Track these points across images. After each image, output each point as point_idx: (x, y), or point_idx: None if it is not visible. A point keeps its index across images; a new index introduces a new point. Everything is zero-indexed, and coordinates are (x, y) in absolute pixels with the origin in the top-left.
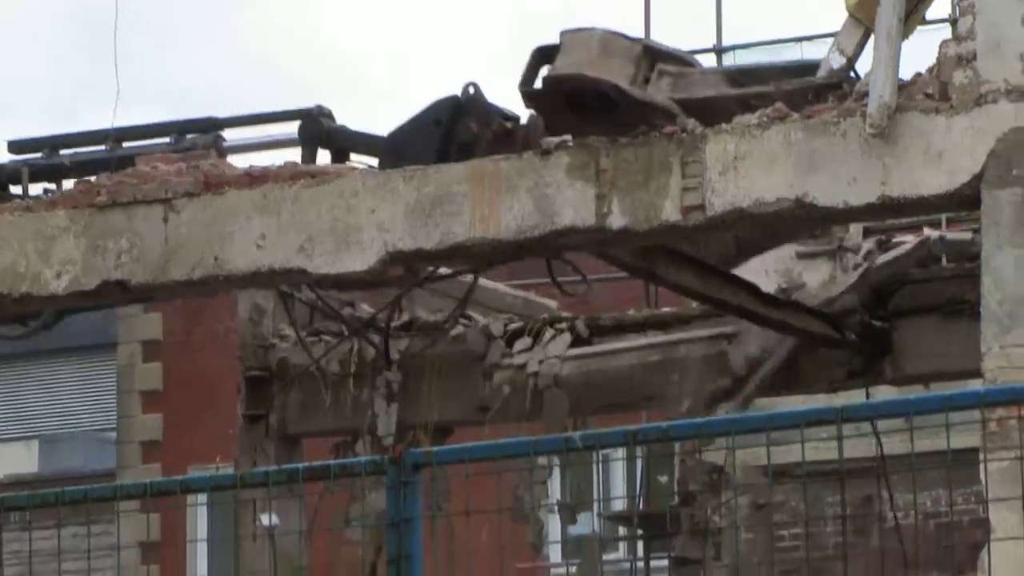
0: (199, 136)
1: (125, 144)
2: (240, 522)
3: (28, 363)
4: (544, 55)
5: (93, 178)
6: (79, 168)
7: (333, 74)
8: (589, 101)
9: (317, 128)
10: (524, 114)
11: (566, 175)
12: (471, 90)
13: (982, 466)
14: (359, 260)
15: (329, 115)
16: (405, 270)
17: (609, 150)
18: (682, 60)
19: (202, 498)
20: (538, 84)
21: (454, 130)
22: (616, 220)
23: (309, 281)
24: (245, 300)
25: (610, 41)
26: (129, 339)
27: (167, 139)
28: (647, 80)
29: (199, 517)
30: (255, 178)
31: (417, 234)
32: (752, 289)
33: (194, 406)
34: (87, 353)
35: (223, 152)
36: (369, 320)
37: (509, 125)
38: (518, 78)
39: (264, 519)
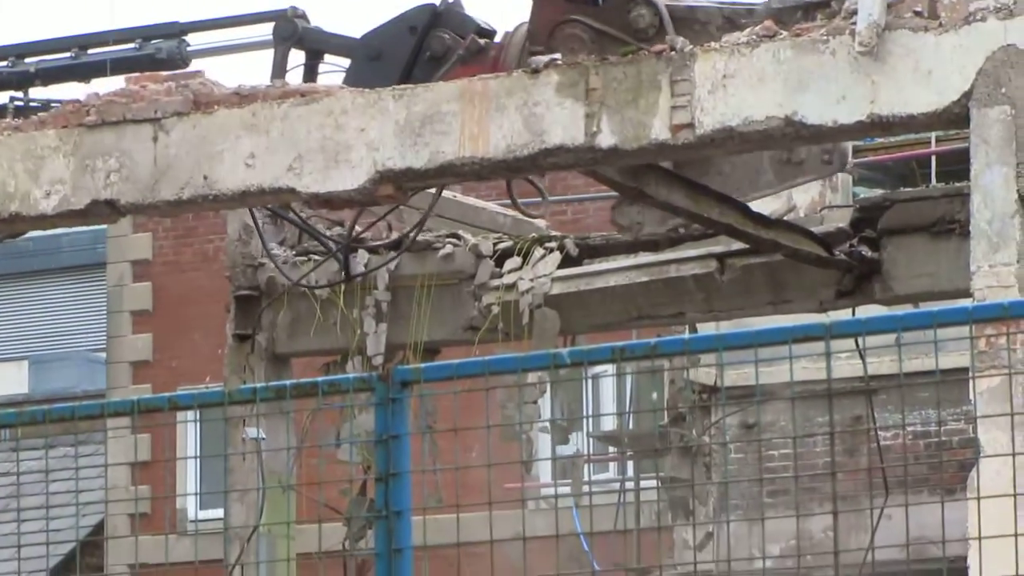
0: (163, 41)
1: (90, 51)
2: (229, 440)
3: (17, 283)
4: None
5: (82, 97)
6: (44, 75)
7: None
8: None
9: (291, 28)
10: (501, 28)
11: (555, 94)
12: None
13: (971, 384)
14: (349, 179)
15: (303, 16)
16: (395, 189)
17: (598, 68)
18: None
19: (191, 415)
20: None
21: (427, 39)
22: (605, 139)
23: (298, 200)
24: (234, 219)
25: None
26: (119, 259)
27: (132, 45)
28: None
29: (188, 436)
30: (244, 97)
31: (407, 153)
32: (742, 208)
33: (184, 326)
34: (77, 273)
35: (187, 57)
36: (355, 238)
37: (482, 42)
38: None
39: (251, 431)
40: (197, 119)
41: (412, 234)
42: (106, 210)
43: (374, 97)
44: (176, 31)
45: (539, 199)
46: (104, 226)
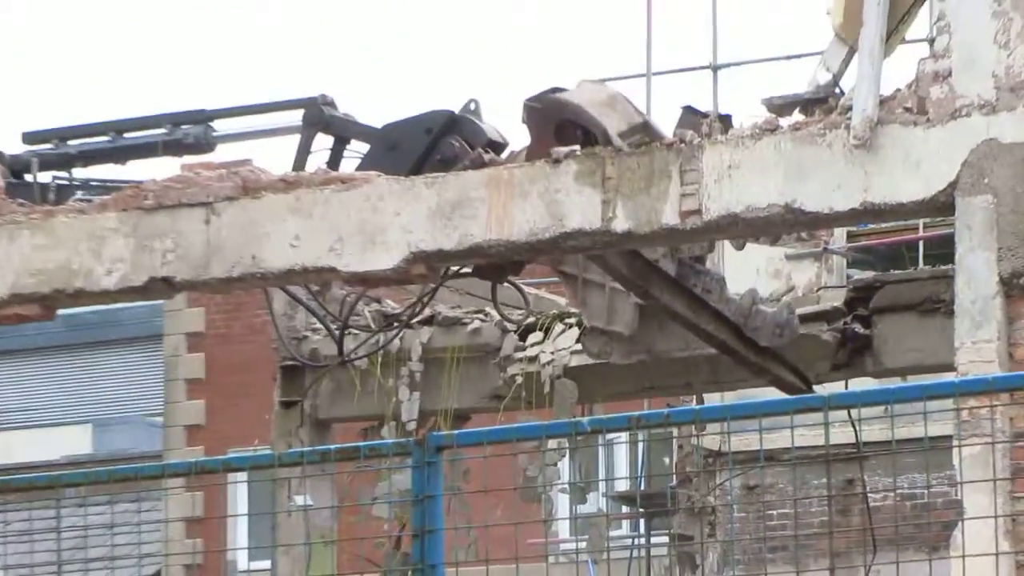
0: (191, 127)
1: (125, 135)
2: (277, 498)
3: (83, 353)
4: (556, 90)
5: (141, 181)
6: (84, 157)
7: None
8: (573, 135)
9: (320, 115)
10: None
11: (574, 181)
12: (471, 106)
13: (955, 452)
14: (385, 259)
15: (332, 104)
16: (427, 269)
17: (614, 159)
18: None
19: (242, 476)
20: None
21: (440, 143)
22: (620, 223)
23: (339, 279)
24: (280, 296)
25: (618, 99)
26: (174, 331)
27: (162, 130)
28: (631, 146)
29: (239, 494)
30: (289, 183)
31: (438, 235)
32: (736, 330)
33: (234, 393)
34: (136, 344)
35: (213, 142)
36: (393, 316)
37: (487, 157)
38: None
39: (299, 499)
40: (246, 203)
41: (417, 308)
42: (163, 287)
43: (408, 184)
44: (203, 118)
45: (555, 279)
46: (161, 301)
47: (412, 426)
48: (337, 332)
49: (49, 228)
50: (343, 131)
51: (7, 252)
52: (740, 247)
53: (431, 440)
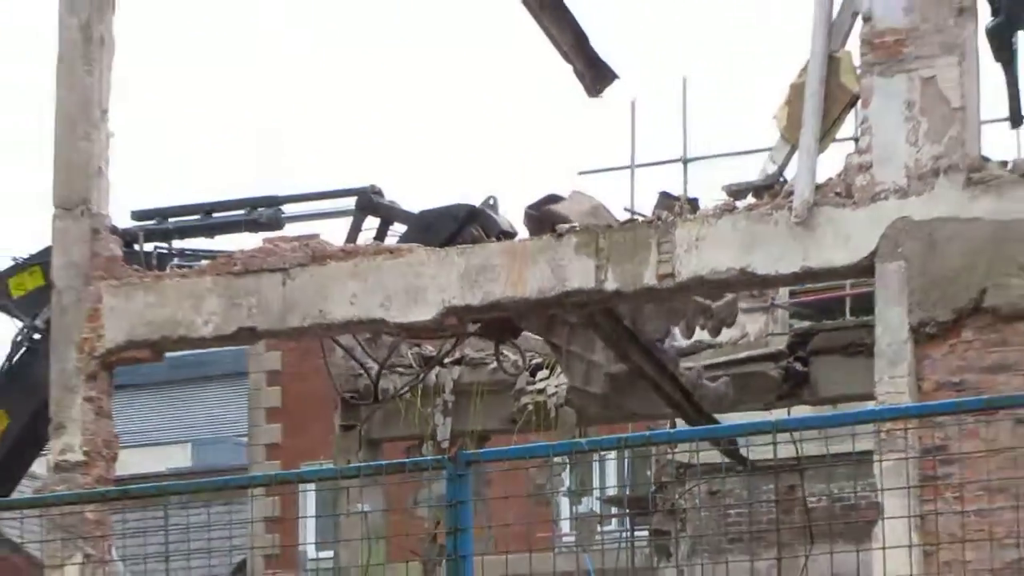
0: (265, 209)
1: (213, 215)
2: (338, 502)
3: (184, 386)
4: (552, 198)
5: (228, 252)
6: (180, 232)
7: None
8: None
9: (369, 201)
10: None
11: (574, 251)
12: (490, 201)
13: (876, 464)
14: (424, 312)
15: (379, 192)
16: (457, 320)
17: (605, 233)
18: None
19: (311, 486)
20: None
21: (463, 229)
22: (610, 284)
23: (388, 329)
24: (341, 341)
25: (600, 209)
26: (257, 369)
27: (242, 211)
28: None
29: (308, 499)
30: (349, 253)
31: (466, 294)
32: (687, 394)
33: (304, 418)
34: (227, 379)
35: (282, 222)
36: (431, 357)
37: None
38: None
39: (363, 506)
40: (315, 269)
41: (450, 351)
42: (248, 335)
43: (443, 253)
44: (275, 201)
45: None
46: (246, 346)
47: (445, 444)
48: (376, 371)
49: (159, 288)
50: (388, 215)
51: (125, 308)
52: (716, 335)
53: (461, 456)
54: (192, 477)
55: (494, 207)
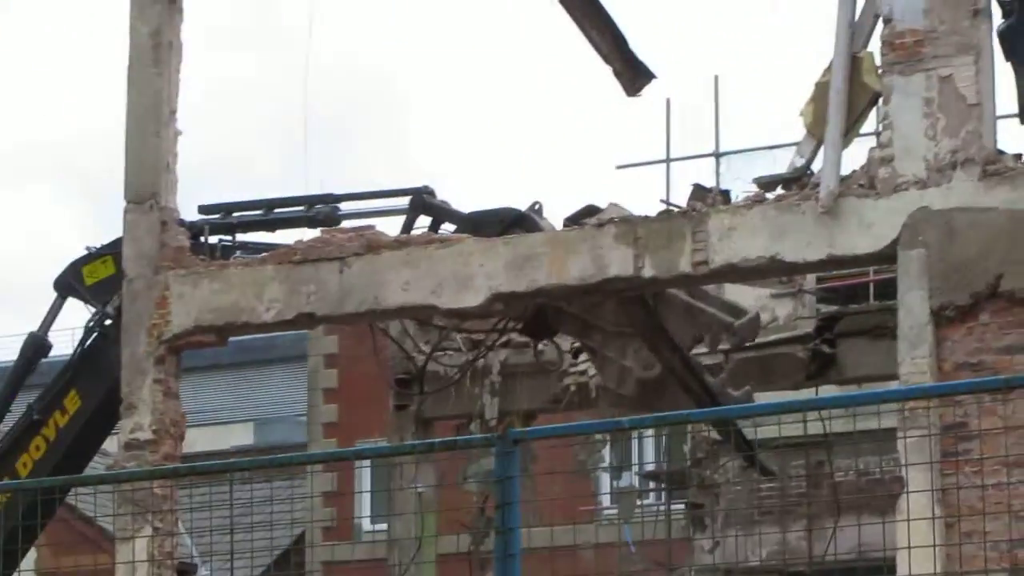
0: (323, 206)
1: (275, 210)
2: (393, 477)
3: (248, 368)
4: (590, 209)
5: (287, 244)
6: (243, 226)
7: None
8: None
9: (422, 201)
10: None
11: (613, 240)
12: (535, 206)
13: (899, 440)
14: (472, 299)
15: (432, 193)
16: (504, 306)
17: (642, 224)
18: None
19: (367, 462)
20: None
21: (507, 232)
22: (648, 271)
23: (439, 314)
24: (395, 326)
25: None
26: (316, 353)
27: (301, 208)
28: None
29: (364, 474)
30: (402, 242)
31: (512, 281)
32: (714, 400)
33: (360, 399)
34: (287, 362)
35: (338, 219)
36: (480, 341)
37: None
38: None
39: (413, 482)
40: (370, 258)
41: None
42: (307, 320)
43: (490, 243)
44: (332, 199)
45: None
46: (306, 331)
47: (493, 423)
48: (423, 361)
49: (223, 277)
50: (439, 215)
51: (192, 295)
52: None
53: (509, 435)
54: (255, 455)
55: (539, 212)
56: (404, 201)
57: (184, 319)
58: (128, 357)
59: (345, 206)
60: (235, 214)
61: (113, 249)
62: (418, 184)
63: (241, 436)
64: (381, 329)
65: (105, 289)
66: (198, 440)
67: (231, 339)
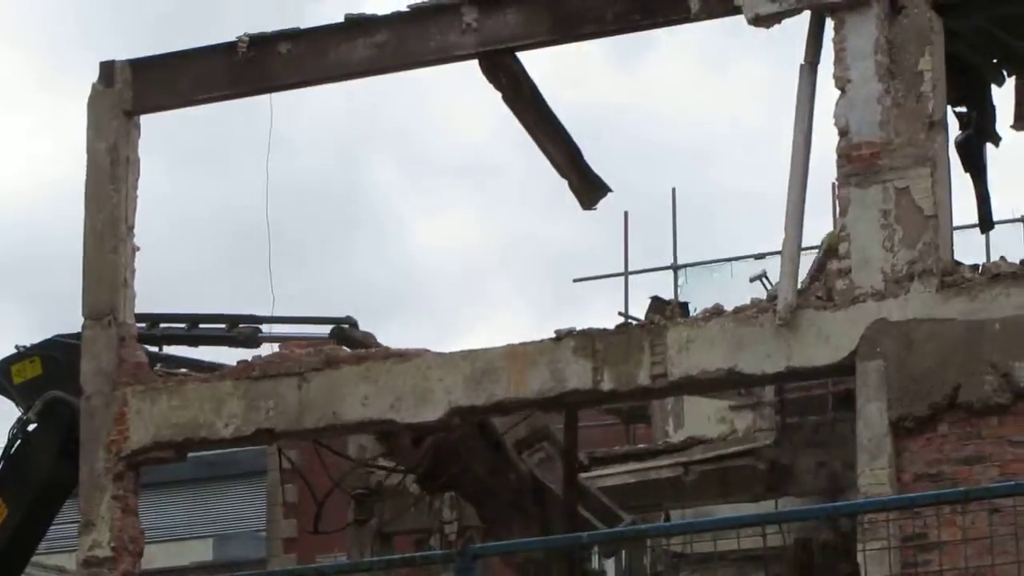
0: (245, 327)
1: (198, 325)
2: None
3: (206, 484)
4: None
5: (249, 358)
6: (167, 339)
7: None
8: None
9: (342, 333)
10: None
11: (572, 354)
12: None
13: (859, 552)
14: (432, 413)
15: (355, 324)
16: (462, 420)
17: (601, 337)
18: None
19: None
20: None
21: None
22: (606, 384)
23: (398, 429)
24: (353, 441)
25: None
26: (275, 468)
27: (223, 326)
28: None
29: None
30: (361, 358)
31: (471, 395)
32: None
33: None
34: (246, 477)
35: (259, 340)
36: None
37: None
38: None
39: None
40: (329, 373)
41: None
42: (266, 435)
43: (449, 357)
44: (255, 320)
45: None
46: (265, 446)
47: (453, 537)
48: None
49: (182, 393)
50: (360, 347)
51: (150, 411)
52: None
53: (468, 550)
54: (214, 571)
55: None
56: (327, 329)
57: (143, 435)
58: (87, 473)
59: (267, 329)
60: (161, 325)
61: (41, 350)
62: (341, 315)
63: (200, 552)
64: (325, 446)
65: (32, 390)
66: (157, 556)
67: (190, 455)
